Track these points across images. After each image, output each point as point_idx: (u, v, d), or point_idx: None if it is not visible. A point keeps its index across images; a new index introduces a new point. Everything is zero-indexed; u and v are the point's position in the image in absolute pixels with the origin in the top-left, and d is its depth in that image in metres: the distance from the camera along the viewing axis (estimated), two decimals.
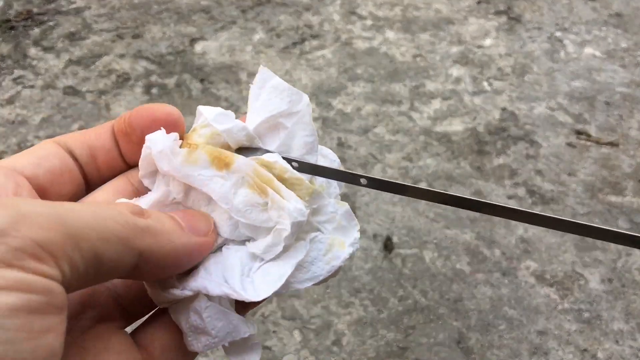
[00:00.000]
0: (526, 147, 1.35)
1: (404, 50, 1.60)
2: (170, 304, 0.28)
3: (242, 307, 0.30)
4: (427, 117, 1.41)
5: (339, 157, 0.39)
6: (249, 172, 0.28)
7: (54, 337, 0.19)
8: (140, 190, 0.30)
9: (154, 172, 0.30)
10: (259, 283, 0.27)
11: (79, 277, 0.21)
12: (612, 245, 1.16)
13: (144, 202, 0.29)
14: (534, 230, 1.18)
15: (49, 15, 1.70)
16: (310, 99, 0.33)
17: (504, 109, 1.44)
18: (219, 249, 0.29)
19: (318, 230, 0.30)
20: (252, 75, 1.51)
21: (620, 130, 1.40)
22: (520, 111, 1.44)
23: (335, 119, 1.40)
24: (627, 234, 0.25)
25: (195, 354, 0.29)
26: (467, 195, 0.28)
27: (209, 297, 0.28)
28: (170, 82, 1.49)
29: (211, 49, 1.59)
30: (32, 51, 1.58)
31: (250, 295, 0.27)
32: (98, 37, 1.63)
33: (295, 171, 0.29)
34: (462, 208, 0.28)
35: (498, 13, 1.74)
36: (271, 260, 0.28)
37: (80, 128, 1.38)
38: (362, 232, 1.17)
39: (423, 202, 1.22)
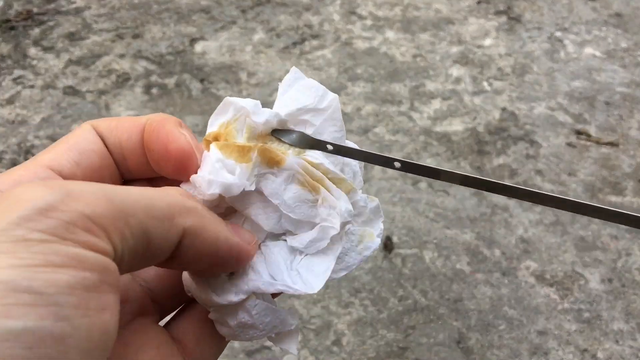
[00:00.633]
0: (526, 147, 1.35)
1: (404, 50, 1.60)
2: (219, 308, 0.29)
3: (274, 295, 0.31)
4: (427, 117, 1.41)
5: None
6: (299, 169, 0.29)
7: (110, 315, 0.19)
8: None
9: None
10: (307, 276, 0.29)
11: (129, 253, 0.21)
12: (612, 245, 1.16)
13: None
14: (534, 230, 1.18)
15: (49, 15, 1.70)
16: None
17: (504, 109, 1.44)
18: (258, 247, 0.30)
19: (350, 222, 0.31)
20: (252, 75, 1.51)
21: (620, 130, 1.40)
22: (520, 111, 1.44)
23: None
24: None
25: (226, 343, 0.30)
26: (496, 181, 0.28)
27: (257, 295, 0.29)
28: (170, 82, 1.49)
29: (211, 49, 1.60)
30: (32, 51, 1.58)
31: (302, 288, 0.28)
32: (98, 37, 1.63)
33: (337, 171, 0.30)
34: (495, 192, 0.29)
35: (498, 13, 1.74)
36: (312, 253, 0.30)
37: None
38: None
39: (423, 201, 1.22)
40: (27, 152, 1.32)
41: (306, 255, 0.30)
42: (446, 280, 1.10)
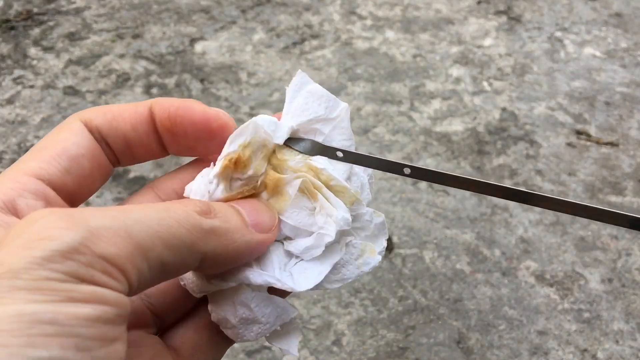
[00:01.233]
0: (526, 147, 1.35)
1: (404, 50, 1.60)
2: (206, 293, 0.29)
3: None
4: (427, 117, 1.41)
5: None
6: (298, 183, 0.29)
7: (121, 344, 0.21)
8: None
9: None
10: (298, 277, 0.29)
11: (145, 284, 0.22)
12: (612, 245, 1.16)
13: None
14: (534, 230, 1.18)
15: (49, 15, 1.70)
16: None
17: (504, 109, 1.44)
18: None
19: (351, 235, 0.31)
20: (252, 75, 1.51)
21: (620, 130, 1.40)
22: (520, 111, 1.44)
23: None
24: None
25: (224, 351, 0.30)
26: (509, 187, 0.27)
27: (253, 287, 0.29)
28: (170, 82, 1.49)
29: (211, 49, 1.60)
30: (32, 51, 1.58)
31: (290, 284, 0.28)
32: (98, 37, 1.63)
33: (341, 180, 0.30)
34: (511, 200, 0.28)
35: (498, 13, 1.74)
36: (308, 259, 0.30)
37: None
38: None
39: (423, 201, 1.22)
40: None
41: (301, 260, 0.29)
42: (446, 280, 1.10)
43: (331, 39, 1.63)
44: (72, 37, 1.63)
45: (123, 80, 1.50)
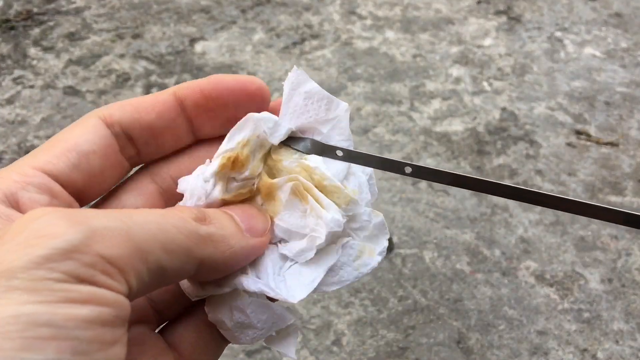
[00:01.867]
0: (526, 147, 1.35)
1: (404, 50, 1.60)
2: (203, 297, 0.29)
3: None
4: (427, 117, 1.41)
5: None
6: (289, 185, 0.29)
7: (120, 347, 0.20)
8: (164, 188, 0.30)
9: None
10: (292, 284, 0.28)
11: (144, 287, 0.22)
12: (612, 245, 1.16)
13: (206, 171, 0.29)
14: (534, 230, 1.18)
15: (49, 15, 1.70)
16: None
17: (504, 109, 1.44)
18: None
19: (349, 236, 0.30)
20: (252, 75, 1.51)
21: (620, 130, 1.40)
22: (520, 111, 1.44)
23: None
24: None
25: (223, 349, 0.30)
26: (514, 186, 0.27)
27: (249, 294, 0.28)
28: (170, 82, 1.49)
29: (211, 49, 1.60)
30: (32, 51, 1.58)
31: (284, 294, 0.28)
32: (98, 37, 1.63)
33: (334, 179, 0.29)
34: (513, 199, 0.28)
35: (498, 13, 1.74)
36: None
37: None
38: None
39: (423, 201, 1.22)
40: (27, 152, 1.32)
41: (296, 263, 0.29)
42: (446, 280, 1.10)
43: (331, 39, 1.63)
44: (72, 37, 1.63)
45: (123, 80, 1.50)
